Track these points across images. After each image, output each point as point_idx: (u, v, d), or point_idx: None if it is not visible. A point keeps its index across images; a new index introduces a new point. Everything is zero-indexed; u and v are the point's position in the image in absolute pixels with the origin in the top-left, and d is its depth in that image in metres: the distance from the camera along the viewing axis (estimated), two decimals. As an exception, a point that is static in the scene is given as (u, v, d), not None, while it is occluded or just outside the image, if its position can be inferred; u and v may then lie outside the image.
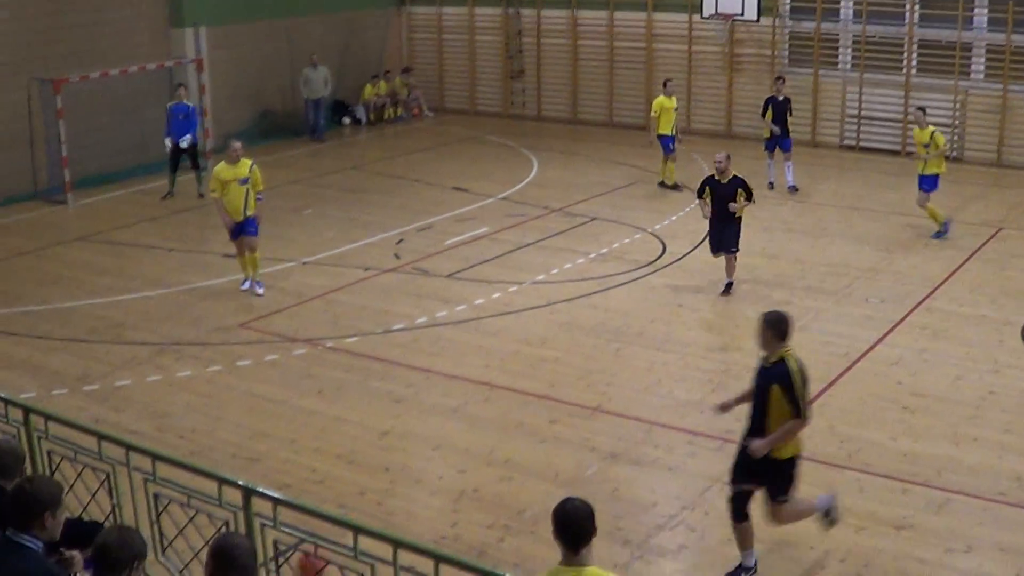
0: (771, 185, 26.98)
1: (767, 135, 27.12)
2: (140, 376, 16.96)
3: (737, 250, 20.00)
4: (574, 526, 7.61)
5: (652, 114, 27.37)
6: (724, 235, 19.91)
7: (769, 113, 26.97)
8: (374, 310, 19.57)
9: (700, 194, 20.18)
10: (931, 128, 23.51)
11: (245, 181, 20.06)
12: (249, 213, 20.12)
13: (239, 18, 33.00)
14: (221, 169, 20.19)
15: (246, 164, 20.17)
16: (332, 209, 26.27)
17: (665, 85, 27.55)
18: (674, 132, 27.39)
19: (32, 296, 20.48)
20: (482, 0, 37.41)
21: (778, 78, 28.00)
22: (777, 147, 27.00)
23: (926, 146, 23.34)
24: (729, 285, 20.12)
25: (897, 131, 30.68)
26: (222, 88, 32.36)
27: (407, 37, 39.17)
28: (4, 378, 16.32)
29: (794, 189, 26.88)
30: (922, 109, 24.24)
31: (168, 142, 27.20)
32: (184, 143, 27.11)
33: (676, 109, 27.53)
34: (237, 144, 20.44)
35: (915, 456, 14.16)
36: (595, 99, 35.96)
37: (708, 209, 19.98)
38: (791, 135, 27.35)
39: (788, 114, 27.11)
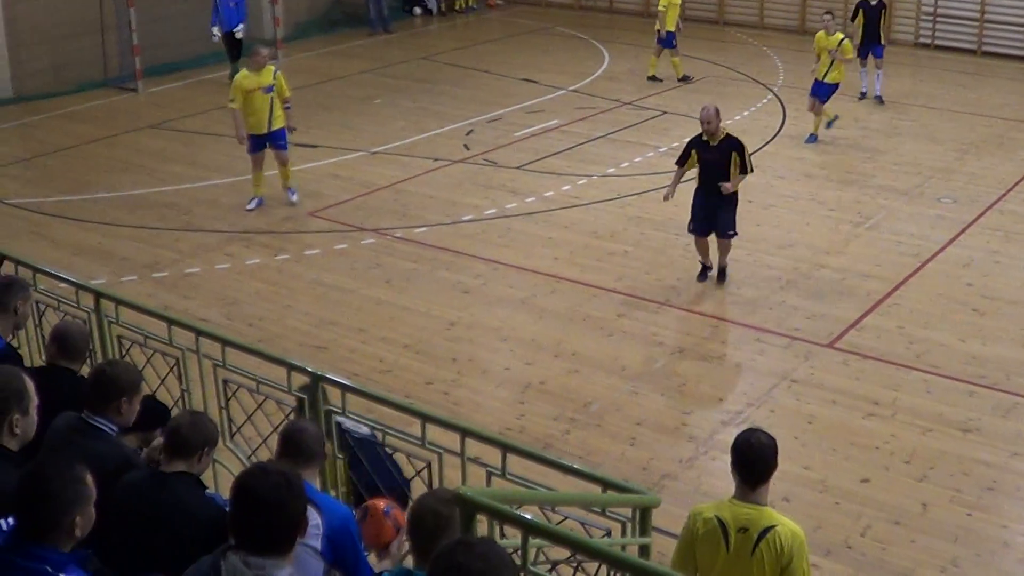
0: (863, 95, 25.49)
1: (858, 40, 25.09)
2: (209, 264, 17.07)
3: (734, 233, 16.13)
4: (759, 462, 7.08)
5: (660, 8, 26.79)
6: (718, 214, 15.93)
7: (860, 17, 25.43)
8: (443, 201, 19.55)
9: (682, 161, 16.19)
10: (840, 34, 22.60)
11: (270, 89, 18.77)
12: (277, 125, 18.94)
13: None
14: (243, 77, 18.86)
15: (270, 71, 18.91)
16: (401, 99, 26.18)
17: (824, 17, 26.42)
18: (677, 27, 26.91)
19: (102, 183, 20.59)
20: None
21: None
22: (870, 54, 25.33)
23: (832, 52, 22.33)
24: (722, 272, 16.36)
25: (973, 30, 30.12)
26: (293, -24, 32.18)
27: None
28: (75, 264, 16.45)
29: (880, 100, 25.31)
30: (830, 13, 23.34)
31: (216, 31, 26.81)
32: (239, 33, 26.94)
33: (682, 3, 27.03)
34: (265, 50, 19.50)
35: (983, 359, 14.07)
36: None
37: (673, 190, 16.25)
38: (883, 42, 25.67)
39: (882, 20, 25.47)
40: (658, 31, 26.76)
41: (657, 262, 16.99)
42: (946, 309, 15.46)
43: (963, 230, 18.22)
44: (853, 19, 25.70)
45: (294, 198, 19.47)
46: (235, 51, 26.76)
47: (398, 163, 21.52)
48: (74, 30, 27.13)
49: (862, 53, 25.03)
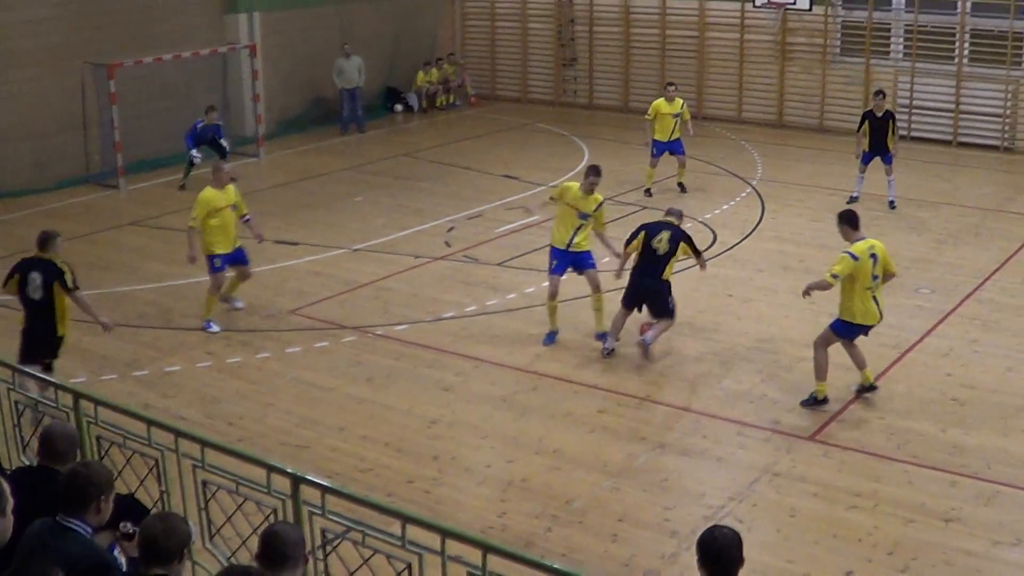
0: (853, 199, 24.62)
1: (865, 148, 24.73)
2: (190, 362, 17.06)
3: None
4: (725, 558, 7.03)
5: (647, 117, 26.12)
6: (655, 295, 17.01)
7: (865, 127, 24.71)
8: (424, 298, 19.60)
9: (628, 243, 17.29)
10: (679, 100, 25.47)
11: (235, 207, 18.56)
12: (238, 243, 18.59)
13: (292, 4, 33.05)
14: (213, 196, 18.27)
15: (231, 188, 18.63)
16: (383, 196, 26.31)
17: (666, 88, 26.32)
18: (672, 137, 25.87)
19: (83, 280, 20.29)
20: (535, -13, 37.38)
21: (877, 93, 25.21)
22: (875, 160, 24.65)
23: (676, 115, 25.20)
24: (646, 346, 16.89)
25: (949, 121, 30.42)
26: (274, 74, 32.44)
27: (460, 24, 39.19)
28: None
29: (892, 205, 24.66)
30: (673, 84, 26.28)
31: (197, 153, 26.88)
32: (224, 142, 27.30)
33: (677, 114, 25.81)
34: (227, 166, 19.42)
35: (964, 448, 14.10)
36: (647, 88, 35.70)
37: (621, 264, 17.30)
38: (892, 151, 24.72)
39: (890, 131, 24.43)
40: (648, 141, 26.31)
41: (638, 357, 16.97)
42: (926, 399, 15.51)
43: (941, 320, 18.33)
44: (859, 128, 24.93)
45: (240, 304, 19.24)
46: (221, 152, 26.86)
47: (379, 260, 21.59)
48: (57, 126, 27.33)
49: (866, 159, 24.70)
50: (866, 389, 15.59)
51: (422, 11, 37.84)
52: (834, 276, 14.84)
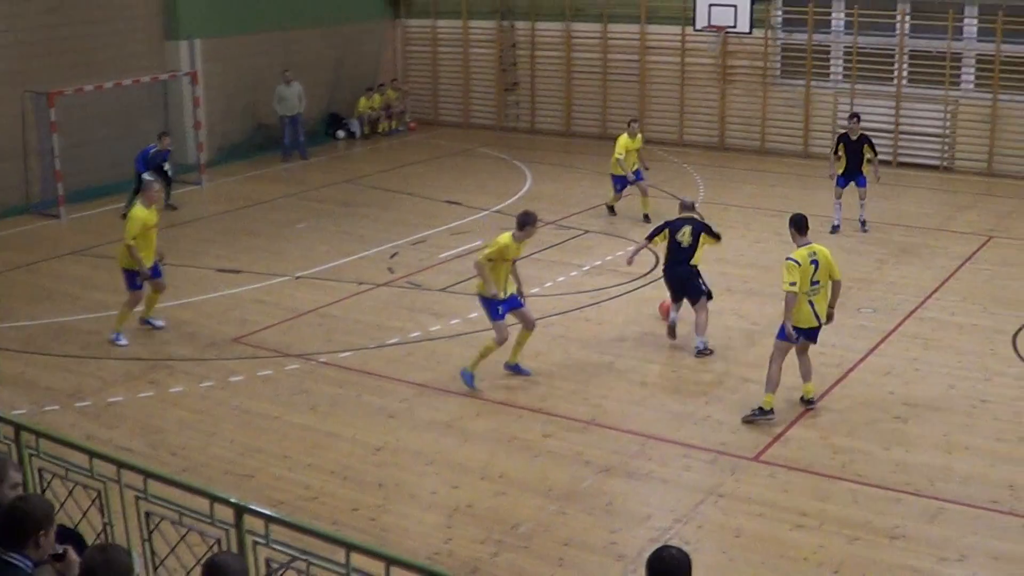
0: (835, 228, 24.50)
1: (840, 171, 24.57)
2: (133, 392, 16.94)
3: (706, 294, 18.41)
4: None
5: (617, 155, 25.57)
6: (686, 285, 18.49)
7: (841, 150, 24.55)
8: (368, 324, 19.57)
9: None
10: (640, 136, 25.51)
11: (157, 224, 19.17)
12: (154, 258, 19.10)
13: (234, 31, 32.97)
14: (145, 215, 18.75)
15: (155, 209, 19.14)
16: (326, 223, 26.27)
17: (629, 125, 25.98)
18: (634, 168, 25.76)
19: (24, 311, 20.46)
20: (477, 13, 37.41)
21: (852, 116, 25.18)
22: (851, 184, 24.47)
23: (638, 150, 25.34)
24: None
25: (889, 141, 30.65)
26: (216, 101, 32.33)
27: (402, 50, 39.20)
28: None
29: (863, 225, 24.58)
30: (636, 120, 26.18)
31: (149, 176, 26.50)
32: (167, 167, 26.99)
33: (639, 150, 25.85)
34: (157, 185, 19.85)
35: (908, 465, 14.19)
36: (589, 111, 36.00)
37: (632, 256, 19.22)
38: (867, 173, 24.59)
39: (864, 153, 24.50)
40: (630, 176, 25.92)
41: (582, 381, 17.04)
42: (869, 418, 15.60)
43: (883, 339, 18.46)
44: (835, 151, 24.81)
45: (160, 323, 19.47)
46: (166, 178, 26.60)
47: (323, 287, 21.54)
48: (-4, 155, 27.11)
49: (841, 182, 24.55)
50: (805, 402, 15.86)
51: (364, 37, 37.85)
52: (792, 285, 15.22)
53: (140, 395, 16.84)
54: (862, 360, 17.48)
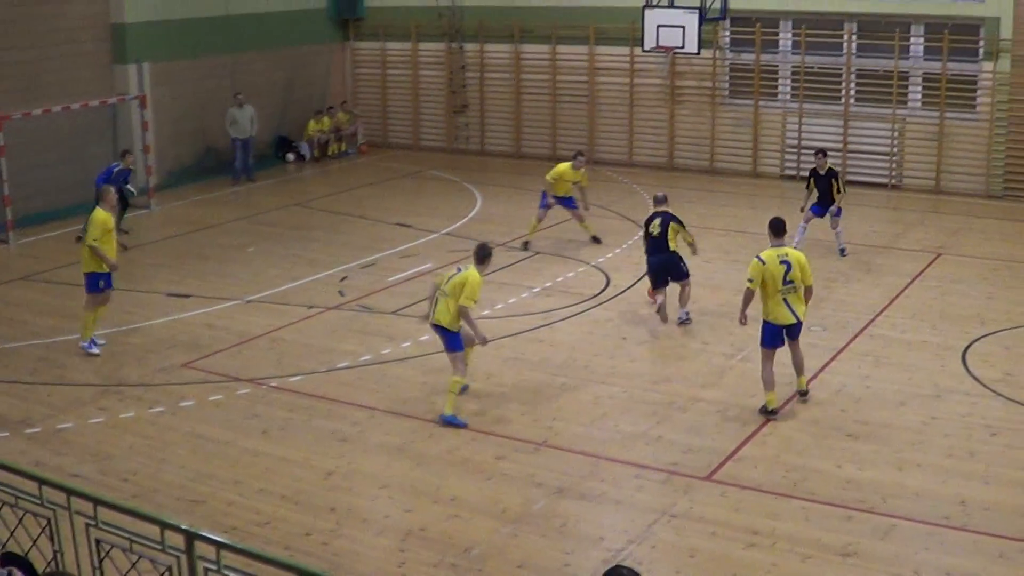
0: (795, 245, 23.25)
1: (814, 202, 24.43)
2: (82, 418, 16.81)
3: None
4: None
5: (549, 177, 25.36)
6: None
7: (812, 184, 24.49)
8: (318, 348, 19.51)
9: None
10: (583, 169, 25.37)
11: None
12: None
13: (182, 55, 32.88)
14: (106, 217, 19.27)
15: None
16: (275, 247, 26.18)
17: (576, 157, 25.53)
18: (565, 195, 25.39)
19: (-27, 339, 20.31)
20: (426, 35, 37.42)
21: (818, 152, 24.98)
22: (825, 215, 24.48)
23: (576, 182, 25.23)
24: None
25: (837, 160, 30.79)
26: (165, 125, 32.19)
27: (351, 72, 39.17)
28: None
29: (844, 252, 24.47)
30: (582, 153, 25.87)
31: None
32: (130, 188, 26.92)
33: (577, 183, 25.36)
34: (115, 188, 20.31)
35: (859, 483, 14.24)
36: (538, 133, 36.07)
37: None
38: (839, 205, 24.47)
39: (835, 189, 24.20)
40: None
41: (533, 403, 17.04)
42: (821, 436, 15.66)
43: (834, 357, 18.55)
44: (807, 186, 24.70)
45: (96, 350, 19.43)
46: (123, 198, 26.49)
47: (273, 311, 21.46)
48: (-58, 181, 26.88)
49: (816, 210, 24.45)
50: (800, 393, 16.79)
51: (313, 59, 37.83)
52: (750, 280, 16.10)
53: (90, 421, 16.71)
54: (813, 378, 17.50)
